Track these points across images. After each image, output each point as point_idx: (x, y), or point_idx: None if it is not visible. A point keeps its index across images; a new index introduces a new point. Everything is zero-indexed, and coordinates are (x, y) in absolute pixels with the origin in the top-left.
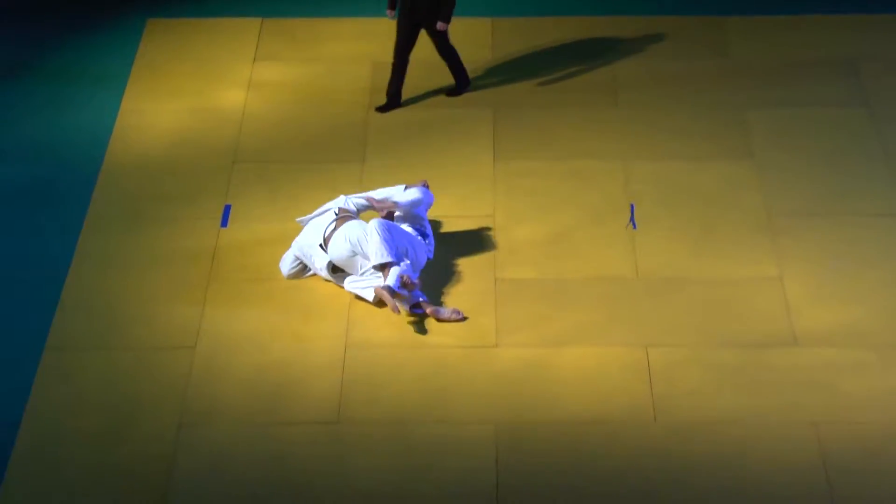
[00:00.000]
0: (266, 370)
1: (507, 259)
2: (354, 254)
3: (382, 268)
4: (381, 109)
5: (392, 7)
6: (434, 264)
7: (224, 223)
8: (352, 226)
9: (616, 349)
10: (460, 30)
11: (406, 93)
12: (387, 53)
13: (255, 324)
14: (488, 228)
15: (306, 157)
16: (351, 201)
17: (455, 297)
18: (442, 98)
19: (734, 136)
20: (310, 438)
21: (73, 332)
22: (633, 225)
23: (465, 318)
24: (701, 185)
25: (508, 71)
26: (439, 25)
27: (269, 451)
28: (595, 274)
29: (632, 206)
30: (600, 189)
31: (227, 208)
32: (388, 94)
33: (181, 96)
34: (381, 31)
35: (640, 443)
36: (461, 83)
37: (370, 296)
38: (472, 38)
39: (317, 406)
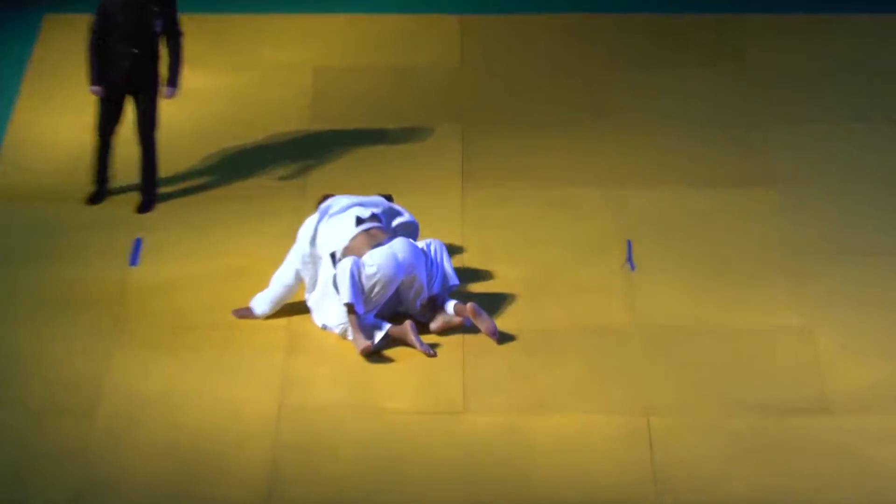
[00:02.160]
0: (182, 437)
1: (480, 304)
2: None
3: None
4: (93, 201)
5: (99, 82)
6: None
7: (134, 260)
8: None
9: (609, 416)
10: (424, 29)
11: (361, 105)
12: (333, 57)
13: (170, 381)
14: (455, 268)
15: (235, 180)
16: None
17: (416, 353)
18: (403, 111)
19: (750, 157)
20: None
21: None
22: (631, 265)
23: (433, 354)
24: (711, 217)
25: (480, 79)
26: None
27: None
28: (584, 324)
29: (629, 244)
30: (590, 222)
31: (138, 242)
32: (96, 180)
33: (83, 107)
34: (326, 32)
35: None
36: (149, 196)
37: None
38: (438, 39)
39: (243, 483)
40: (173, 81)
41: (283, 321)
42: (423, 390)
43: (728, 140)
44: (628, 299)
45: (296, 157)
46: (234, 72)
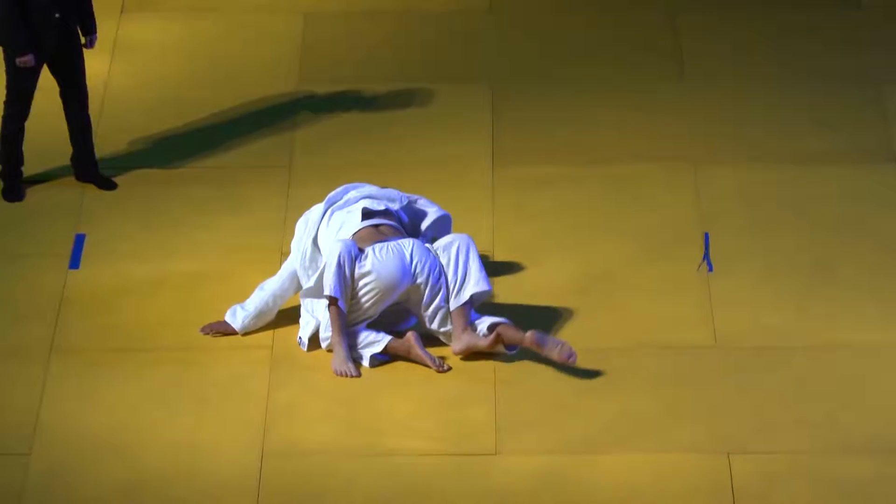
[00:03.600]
0: (137, 490)
1: (514, 319)
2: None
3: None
4: (8, 198)
5: (32, 47)
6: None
7: (75, 263)
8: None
9: (682, 457)
10: None
11: (363, 62)
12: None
13: (123, 418)
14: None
15: (199, 160)
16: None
17: (435, 380)
18: (416, 69)
19: (866, 125)
20: None
21: None
22: (709, 265)
23: (447, 369)
24: (814, 203)
25: (514, 27)
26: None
27: None
28: (647, 341)
29: (706, 237)
30: (657, 209)
31: (80, 240)
32: (8, 173)
33: None
34: None
35: None
36: (89, 165)
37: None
38: None
39: None
40: (91, 25)
41: (266, 337)
42: (445, 426)
43: (837, 102)
44: (706, 309)
45: (279, 130)
46: (197, 18)
